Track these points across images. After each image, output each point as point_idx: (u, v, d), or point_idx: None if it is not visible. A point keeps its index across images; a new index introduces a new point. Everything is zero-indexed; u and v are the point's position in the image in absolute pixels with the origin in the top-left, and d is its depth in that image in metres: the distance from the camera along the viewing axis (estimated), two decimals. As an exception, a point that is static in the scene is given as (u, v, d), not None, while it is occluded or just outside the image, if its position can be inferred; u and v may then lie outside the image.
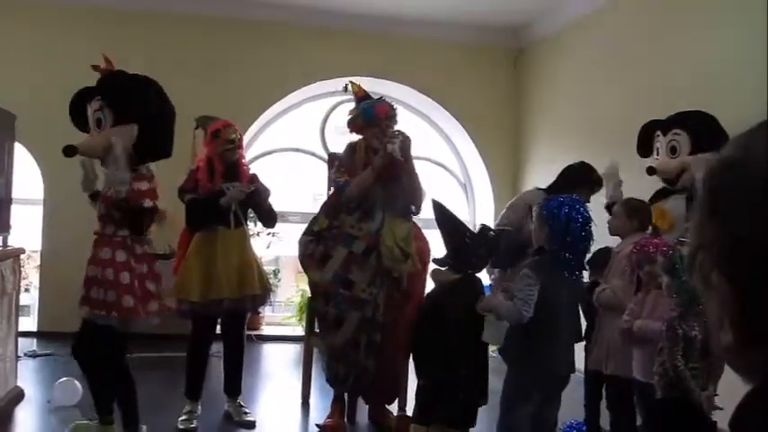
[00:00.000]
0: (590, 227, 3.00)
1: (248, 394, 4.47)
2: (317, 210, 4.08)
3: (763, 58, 3.28)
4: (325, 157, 6.95)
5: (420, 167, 4.04)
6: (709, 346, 2.41)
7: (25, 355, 5.34)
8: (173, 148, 3.40)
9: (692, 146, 3.66)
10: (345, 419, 4.08)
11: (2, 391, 4.05)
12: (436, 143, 7.71)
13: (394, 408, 4.13)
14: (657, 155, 3.84)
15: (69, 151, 3.07)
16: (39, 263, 6.68)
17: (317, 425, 3.98)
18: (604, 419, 3.69)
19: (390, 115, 3.82)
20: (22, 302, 4.91)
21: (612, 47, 5.67)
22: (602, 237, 3.45)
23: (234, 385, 4.16)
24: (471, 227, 3.61)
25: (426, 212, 3.73)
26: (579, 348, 3.47)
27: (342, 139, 6.15)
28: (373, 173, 3.71)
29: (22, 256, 4.49)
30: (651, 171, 3.80)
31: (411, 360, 3.60)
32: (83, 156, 3.18)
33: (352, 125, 3.89)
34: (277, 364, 6.19)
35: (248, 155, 6.36)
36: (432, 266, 3.64)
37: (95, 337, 3.21)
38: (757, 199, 0.61)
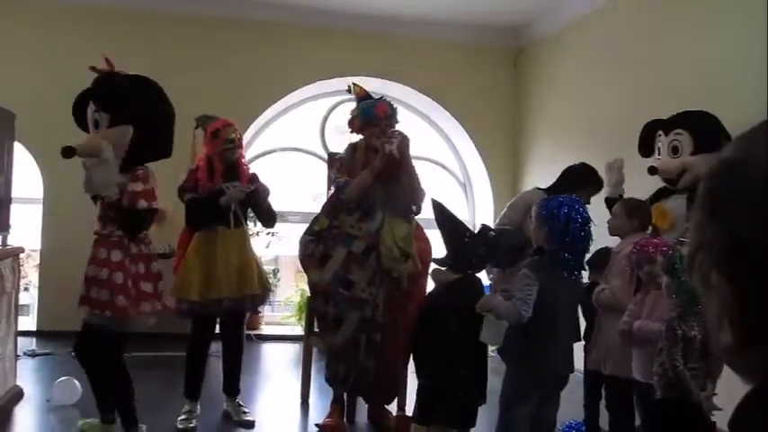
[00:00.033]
0: (589, 227, 3.00)
1: (247, 394, 4.47)
2: (316, 209, 4.08)
3: (763, 58, 3.28)
4: (325, 156, 6.95)
5: (420, 167, 4.04)
6: (709, 347, 2.41)
7: (24, 354, 5.33)
8: (173, 148, 3.40)
9: (694, 146, 3.65)
10: (345, 419, 4.08)
11: (1, 390, 4.05)
12: (436, 143, 7.71)
13: (393, 407, 4.13)
14: (659, 154, 3.84)
15: (67, 152, 3.09)
16: (38, 262, 6.68)
17: (317, 424, 3.97)
18: (604, 419, 3.69)
19: (390, 115, 3.82)
20: (21, 301, 4.91)
21: (612, 47, 5.67)
22: (601, 237, 3.46)
23: (233, 385, 4.16)
24: (471, 227, 3.61)
25: (427, 212, 3.73)
26: (578, 348, 3.47)
27: (342, 138, 6.16)
28: (372, 173, 3.71)
29: (21, 255, 4.48)
30: (652, 171, 3.79)
31: (411, 360, 3.61)
32: (80, 157, 3.18)
33: (353, 125, 3.89)
34: (276, 363, 6.18)
35: (248, 154, 6.36)
36: (432, 266, 3.65)
37: (94, 337, 3.23)
38: (757, 199, 0.61)
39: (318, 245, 3.82)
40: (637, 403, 3.17)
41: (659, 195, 3.85)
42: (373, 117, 3.77)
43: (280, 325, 7.05)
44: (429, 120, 7.60)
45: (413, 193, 3.83)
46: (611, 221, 3.61)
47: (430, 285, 3.74)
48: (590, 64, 6.02)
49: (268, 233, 6.08)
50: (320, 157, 7.25)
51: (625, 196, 3.94)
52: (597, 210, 3.74)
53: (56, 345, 5.56)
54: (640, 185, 3.95)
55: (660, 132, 3.83)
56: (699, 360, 2.71)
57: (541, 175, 5.98)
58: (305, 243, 3.89)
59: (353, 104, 4.02)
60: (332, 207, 3.91)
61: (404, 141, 3.71)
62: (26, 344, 5.59)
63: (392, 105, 3.92)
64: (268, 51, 6.80)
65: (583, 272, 3.24)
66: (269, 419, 4.21)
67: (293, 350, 6.25)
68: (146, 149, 3.25)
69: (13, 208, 4.49)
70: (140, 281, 3.23)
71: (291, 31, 6.80)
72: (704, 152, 3.55)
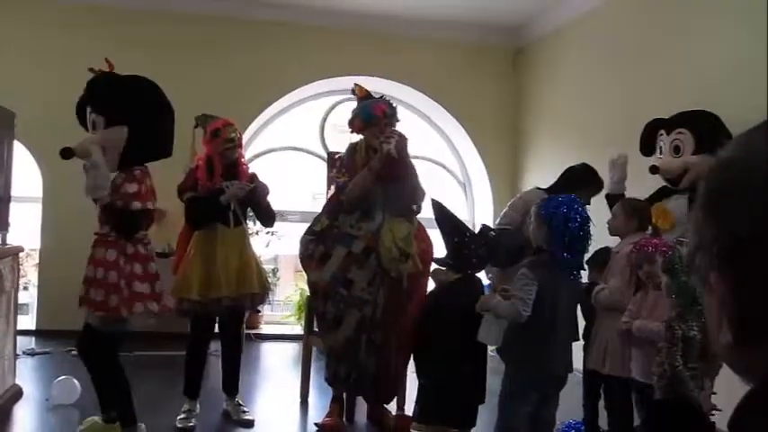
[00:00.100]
0: (588, 226, 3.00)
1: (247, 393, 4.47)
2: (315, 209, 4.08)
3: (763, 58, 3.28)
4: (325, 156, 6.95)
5: (419, 167, 4.04)
6: (709, 347, 2.41)
7: (24, 353, 5.33)
8: (173, 147, 3.40)
9: (696, 145, 3.64)
10: (344, 418, 4.08)
11: (0, 389, 4.05)
12: (435, 143, 7.71)
13: (392, 406, 4.13)
14: (660, 154, 3.83)
15: (66, 153, 3.10)
16: (37, 261, 6.68)
17: (316, 424, 3.97)
18: (603, 419, 3.69)
19: (389, 114, 3.81)
20: (20, 301, 4.91)
21: (612, 45, 5.67)
22: (601, 237, 3.45)
23: (232, 384, 4.16)
24: (471, 227, 3.61)
25: (428, 212, 3.73)
26: (578, 348, 3.47)
27: (341, 137, 6.16)
28: (371, 173, 3.71)
29: (20, 255, 4.48)
30: (654, 170, 3.79)
31: (411, 360, 3.61)
32: (78, 158, 3.19)
33: (353, 125, 3.89)
34: (276, 362, 6.18)
35: (247, 154, 6.36)
36: (433, 266, 3.65)
37: (93, 337, 3.25)
38: (757, 198, 0.61)
39: (318, 245, 3.82)
40: (636, 403, 3.18)
41: (660, 195, 3.85)
42: (372, 116, 3.77)
43: (279, 324, 7.05)
44: (429, 119, 7.60)
45: (413, 193, 3.82)
46: (611, 221, 3.60)
47: (431, 285, 3.74)
48: (589, 63, 6.02)
49: (267, 232, 6.08)
50: (320, 157, 7.25)
51: (625, 195, 3.94)
52: (597, 210, 3.74)
53: (55, 344, 5.56)
54: (640, 185, 3.94)
55: (662, 132, 3.83)
56: (698, 360, 2.71)
57: (541, 174, 5.98)
58: (305, 243, 3.89)
59: (353, 104, 4.02)
60: (333, 207, 3.91)
61: (401, 141, 3.70)
62: (25, 343, 5.59)
63: (392, 104, 3.91)
64: (268, 51, 6.80)
65: (582, 272, 3.24)
66: (268, 419, 4.21)
67: (292, 349, 6.25)
68: (143, 149, 3.25)
69: (13, 207, 4.49)
70: (134, 281, 3.22)
71: (291, 31, 6.80)
72: (706, 152, 3.54)
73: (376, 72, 6.79)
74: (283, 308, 7.39)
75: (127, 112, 3.20)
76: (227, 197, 3.88)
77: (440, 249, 3.64)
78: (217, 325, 4.19)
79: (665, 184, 3.83)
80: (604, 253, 3.62)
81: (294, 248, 4.03)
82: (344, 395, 4.10)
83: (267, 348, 6.46)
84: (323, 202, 4.33)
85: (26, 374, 4.80)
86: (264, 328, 6.91)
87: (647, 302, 3.12)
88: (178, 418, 3.87)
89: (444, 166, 7.77)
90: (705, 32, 4.58)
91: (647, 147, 3.94)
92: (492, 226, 3.98)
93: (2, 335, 4.05)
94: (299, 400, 4.51)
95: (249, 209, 4.16)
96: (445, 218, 3.45)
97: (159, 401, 4.10)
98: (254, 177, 4.06)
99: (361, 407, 4.19)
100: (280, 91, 6.88)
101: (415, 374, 3.53)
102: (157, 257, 3.50)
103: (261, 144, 7.27)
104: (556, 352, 3.06)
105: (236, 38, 6.72)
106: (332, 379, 3.93)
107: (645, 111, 4.35)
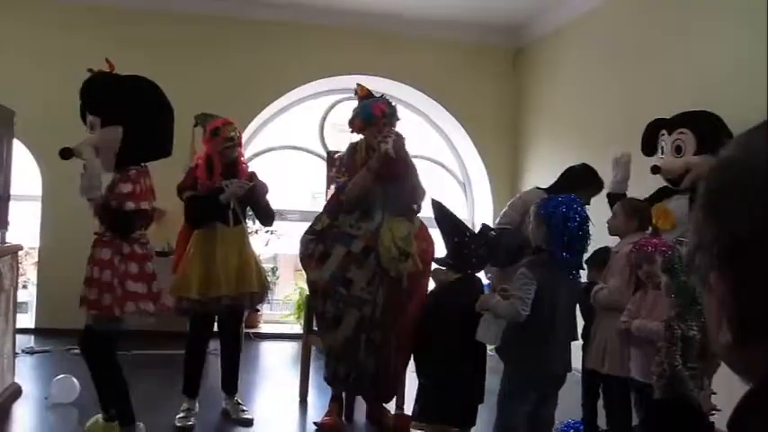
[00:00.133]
0: (587, 226, 3.00)
1: (246, 392, 4.47)
2: (315, 208, 4.08)
3: (764, 58, 3.28)
4: (324, 155, 6.96)
5: (419, 166, 4.04)
6: (708, 346, 2.41)
7: (23, 351, 5.33)
8: (172, 147, 3.40)
9: (698, 146, 3.63)
10: (343, 418, 4.08)
11: (-1, 387, 4.05)
12: (435, 142, 7.71)
13: (391, 406, 4.13)
14: (662, 154, 3.83)
15: (65, 153, 3.11)
16: (36, 260, 6.68)
17: (315, 423, 3.97)
18: (602, 419, 3.70)
19: (388, 113, 3.81)
20: (19, 299, 4.91)
21: (612, 45, 5.67)
22: (601, 237, 3.45)
23: (231, 383, 4.16)
24: (471, 226, 3.62)
25: (428, 212, 3.73)
26: (577, 348, 3.47)
27: (341, 137, 6.16)
28: (370, 173, 3.71)
29: (19, 253, 4.48)
30: (656, 170, 3.78)
31: (411, 359, 3.61)
32: (77, 158, 3.19)
33: (353, 125, 3.89)
34: (275, 361, 6.18)
35: (247, 153, 6.35)
36: (433, 266, 3.65)
37: (92, 336, 3.26)
38: (757, 198, 0.61)
39: (318, 244, 3.82)
40: (635, 403, 3.18)
41: (660, 195, 3.84)
42: (371, 116, 3.77)
43: (278, 323, 7.05)
44: (428, 119, 7.60)
45: (413, 192, 3.82)
46: (611, 221, 3.60)
47: (431, 285, 3.74)
48: (589, 63, 6.02)
49: (267, 231, 6.08)
50: (319, 156, 7.25)
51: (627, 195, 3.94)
52: (597, 210, 3.74)
53: (54, 342, 5.56)
54: (640, 185, 3.94)
55: (663, 131, 3.82)
56: (698, 360, 2.71)
57: (541, 174, 5.98)
58: (305, 242, 3.89)
59: (353, 103, 4.02)
60: (333, 207, 3.91)
61: (399, 140, 3.70)
62: (24, 341, 5.59)
63: (391, 104, 3.90)
64: (267, 50, 6.80)
65: (581, 271, 3.24)
66: (267, 418, 4.21)
67: (292, 348, 6.25)
68: (142, 149, 3.25)
69: (12, 205, 4.49)
70: (128, 280, 3.22)
71: (290, 30, 6.80)
72: (707, 152, 3.54)
73: (376, 71, 6.79)
74: (283, 307, 7.39)
75: (122, 112, 3.20)
76: (227, 196, 3.88)
77: (441, 249, 3.64)
78: (216, 324, 4.19)
79: (665, 184, 3.83)
80: (604, 253, 3.62)
81: (293, 247, 4.03)
82: (344, 394, 4.10)
83: (266, 347, 6.46)
84: (322, 201, 4.34)
85: (25, 373, 4.80)
86: (264, 328, 6.91)
87: (647, 302, 3.13)
88: (177, 416, 3.87)
89: (444, 166, 7.77)
90: (705, 32, 4.58)
91: (649, 147, 3.93)
92: (492, 225, 3.98)
93: (1, 333, 4.05)
94: (298, 399, 4.51)
95: (248, 208, 4.16)
96: (445, 218, 3.45)
97: (158, 400, 4.10)
98: (253, 176, 4.06)
99: (361, 406, 4.19)
100: (279, 90, 6.87)
101: (414, 374, 3.53)
102: (157, 256, 3.51)
103: (260, 143, 7.27)
104: (555, 351, 3.06)
105: (236, 38, 6.71)
106: (331, 378, 3.93)
107: (645, 111, 4.35)
